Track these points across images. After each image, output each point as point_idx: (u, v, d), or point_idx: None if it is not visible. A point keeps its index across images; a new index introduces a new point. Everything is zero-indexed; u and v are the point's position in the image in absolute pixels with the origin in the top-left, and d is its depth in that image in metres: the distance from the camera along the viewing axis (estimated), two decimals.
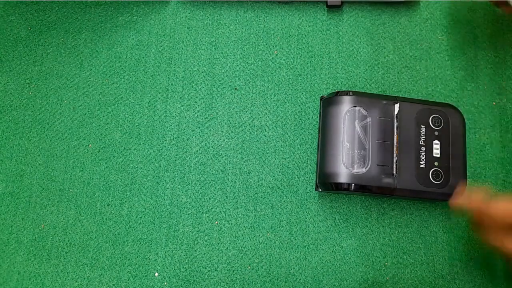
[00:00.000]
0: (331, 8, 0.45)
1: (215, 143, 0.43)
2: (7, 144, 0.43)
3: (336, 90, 0.40)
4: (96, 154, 0.43)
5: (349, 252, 0.40)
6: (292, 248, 0.40)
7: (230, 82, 0.44)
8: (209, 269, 0.40)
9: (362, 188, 0.37)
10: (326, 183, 0.38)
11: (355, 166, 0.37)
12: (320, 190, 0.39)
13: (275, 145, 0.42)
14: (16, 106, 0.44)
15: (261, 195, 0.41)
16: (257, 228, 0.41)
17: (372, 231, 0.40)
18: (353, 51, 0.44)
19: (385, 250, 0.40)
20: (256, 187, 0.42)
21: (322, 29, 0.45)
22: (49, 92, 0.44)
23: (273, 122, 0.43)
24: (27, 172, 0.43)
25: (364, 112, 0.38)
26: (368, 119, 0.38)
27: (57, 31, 0.46)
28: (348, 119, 0.38)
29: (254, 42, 0.45)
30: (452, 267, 0.40)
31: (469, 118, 0.42)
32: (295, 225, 0.41)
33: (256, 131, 0.43)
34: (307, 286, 0.39)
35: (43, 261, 0.41)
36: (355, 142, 0.38)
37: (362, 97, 0.39)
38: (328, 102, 0.40)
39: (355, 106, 0.38)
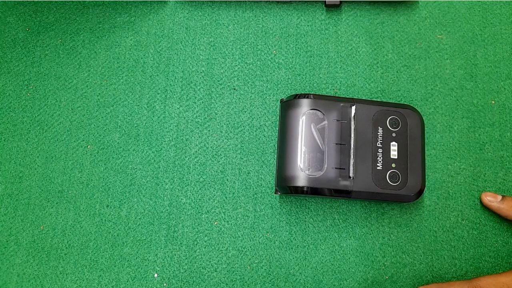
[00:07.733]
0: (330, 7, 0.44)
1: (214, 143, 0.43)
2: (5, 145, 0.43)
3: (296, 93, 0.40)
4: (95, 155, 0.43)
5: (348, 252, 0.40)
6: (291, 248, 0.40)
7: (229, 82, 0.44)
8: (208, 269, 0.40)
9: (319, 191, 0.37)
10: (284, 186, 0.38)
11: (312, 169, 0.37)
12: (279, 193, 0.39)
13: (274, 145, 0.42)
14: (15, 108, 0.44)
15: (261, 195, 0.41)
16: (256, 228, 0.41)
17: (371, 230, 0.40)
18: (352, 50, 0.44)
19: (385, 249, 0.40)
20: (256, 187, 0.41)
21: (321, 29, 0.45)
22: (48, 93, 0.44)
23: (272, 122, 0.43)
24: (26, 173, 0.43)
25: (321, 115, 0.38)
26: (325, 122, 0.38)
27: (55, 32, 0.46)
28: (305, 122, 0.38)
29: (253, 42, 0.45)
30: (451, 267, 0.40)
31: (468, 117, 0.42)
32: (294, 225, 0.41)
33: (255, 131, 0.43)
34: (307, 286, 0.39)
35: (42, 263, 0.41)
36: (311, 145, 0.37)
37: (319, 100, 0.39)
38: (287, 105, 0.39)
39: (312, 109, 0.38)
